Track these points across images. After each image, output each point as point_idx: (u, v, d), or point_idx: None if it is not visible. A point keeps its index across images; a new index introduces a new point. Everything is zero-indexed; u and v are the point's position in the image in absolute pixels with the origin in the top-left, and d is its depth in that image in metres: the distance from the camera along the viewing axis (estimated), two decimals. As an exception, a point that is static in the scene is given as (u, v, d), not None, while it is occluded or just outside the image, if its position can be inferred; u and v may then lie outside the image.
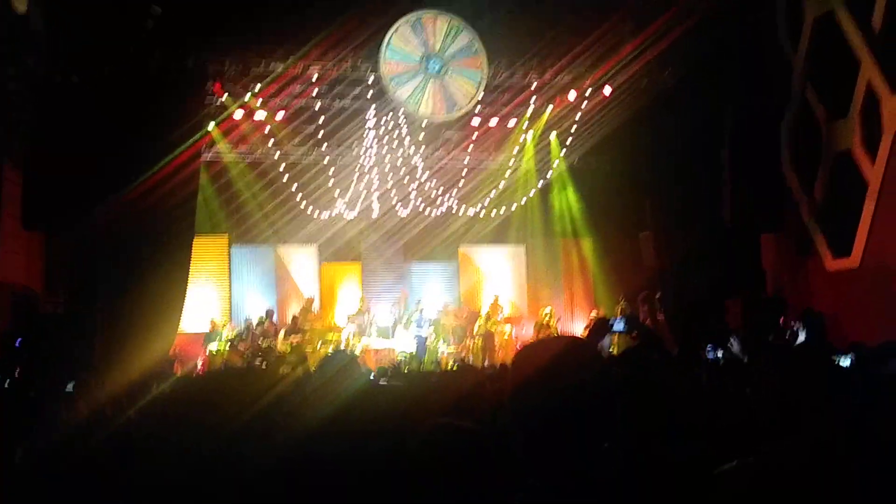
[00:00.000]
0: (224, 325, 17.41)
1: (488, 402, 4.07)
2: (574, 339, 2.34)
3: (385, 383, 6.01)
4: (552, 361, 2.09)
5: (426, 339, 17.46)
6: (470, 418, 2.90)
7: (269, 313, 17.68)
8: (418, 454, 2.32)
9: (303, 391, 3.46)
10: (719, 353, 7.64)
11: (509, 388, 2.13)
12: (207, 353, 16.59)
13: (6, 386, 9.38)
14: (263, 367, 14.89)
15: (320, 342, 16.75)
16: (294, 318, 17.60)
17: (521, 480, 1.93)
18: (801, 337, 7.61)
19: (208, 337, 16.88)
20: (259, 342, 16.60)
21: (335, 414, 3.12)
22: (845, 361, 5.86)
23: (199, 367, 16.34)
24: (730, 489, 2.33)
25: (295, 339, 16.76)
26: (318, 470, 2.76)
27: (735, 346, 7.56)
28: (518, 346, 18.27)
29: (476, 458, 2.23)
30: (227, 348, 16.46)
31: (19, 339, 12.59)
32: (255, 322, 17.41)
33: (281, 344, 16.67)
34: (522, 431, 2.04)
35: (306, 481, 2.73)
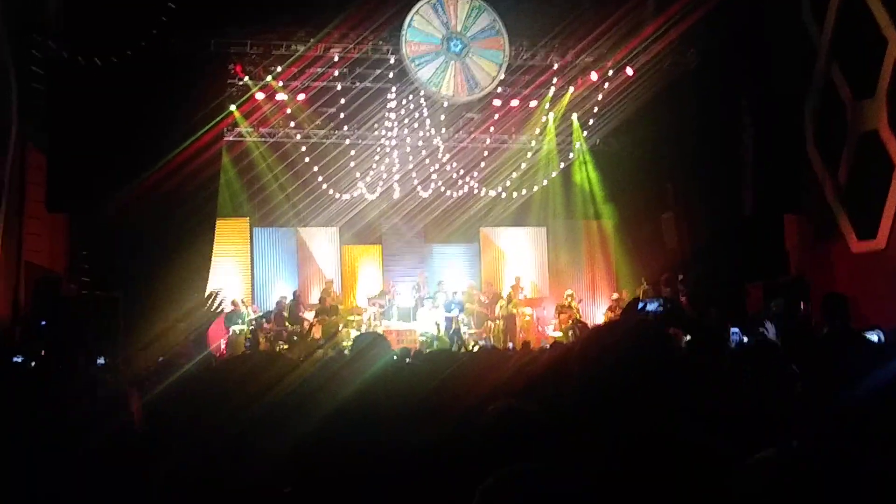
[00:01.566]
0: (247, 306, 17.50)
1: (526, 383, 4.06)
2: (643, 321, 2.35)
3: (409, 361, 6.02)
4: (624, 342, 2.09)
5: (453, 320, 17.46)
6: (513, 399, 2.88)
7: (295, 295, 17.73)
8: (484, 435, 2.33)
9: (331, 368, 3.47)
10: (745, 339, 7.59)
11: (577, 369, 2.13)
12: (230, 334, 16.66)
13: (32, 367, 9.49)
14: (287, 349, 15.02)
15: (342, 324, 16.82)
16: (321, 299, 17.65)
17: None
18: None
19: (230, 318, 16.95)
20: (285, 324, 16.68)
21: (366, 389, 3.12)
22: (872, 336, 5.83)
23: (222, 347, 16.45)
24: (757, 480, 2.31)
25: (323, 320, 16.84)
26: (349, 450, 2.77)
27: (770, 331, 7.51)
28: (543, 328, 18.27)
29: (540, 441, 2.23)
30: (251, 329, 16.54)
31: (43, 321, 12.71)
32: (282, 304, 17.44)
33: (309, 326, 16.79)
34: (590, 409, 2.05)
35: (335, 462, 2.73)
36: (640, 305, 4.70)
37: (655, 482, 1.88)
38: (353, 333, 16.39)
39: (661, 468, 1.90)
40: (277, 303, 17.43)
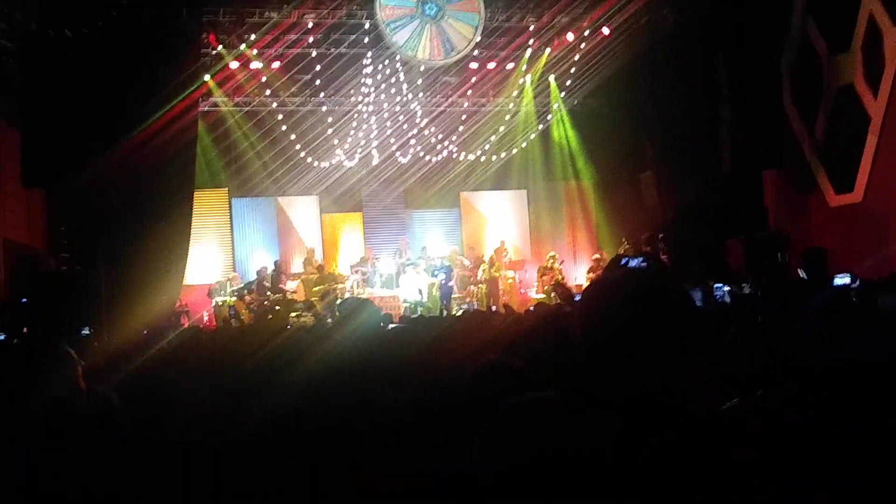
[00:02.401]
0: (230, 278, 17.46)
1: (511, 343, 4.09)
2: (650, 269, 2.31)
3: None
4: (631, 292, 2.02)
5: (452, 288, 17.49)
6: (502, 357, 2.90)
7: (277, 265, 17.67)
8: (471, 390, 2.34)
9: (317, 332, 3.49)
10: (726, 290, 7.66)
11: (579, 323, 2.07)
12: (213, 305, 16.64)
13: (13, 343, 9.44)
14: (270, 318, 15.02)
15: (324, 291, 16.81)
16: (316, 265, 17.67)
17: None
18: (802, 275, 7.63)
19: (213, 290, 16.92)
20: (267, 294, 16.66)
21: (357, 352, 3.14)
22: (842, 280, 5.91)
23: (205, 319, 16.43)
24: (731, 425, 2.33)
25: (308, 283, 16.89)
26: (342, 411, 2.78)
27: (748, 286, 7.58)
28: (526, 291, 18.35)
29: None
30: (234, 299, 16.52)
31: (24, 299, 12.64)
32: (263, 274, 17.40)
33: (294, 293, 16.82)
34: (596, 364, 2.00)
35: (329, 422, 2.75)
36: (623, 262, 4.71)
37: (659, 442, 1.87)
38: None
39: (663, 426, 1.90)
40: (258, 272, 17.40)
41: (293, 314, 14.78)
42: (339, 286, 16.96)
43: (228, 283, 17.21)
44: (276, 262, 17.80)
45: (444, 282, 17.32)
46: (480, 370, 2.45)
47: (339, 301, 11.37)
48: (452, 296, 17.69)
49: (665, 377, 1.95)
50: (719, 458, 1.90)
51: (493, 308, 15.58)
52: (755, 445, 2.04)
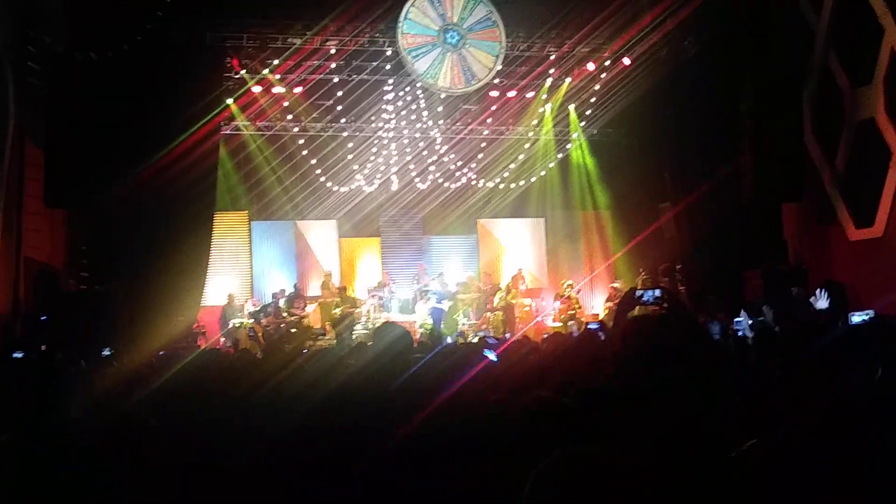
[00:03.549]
0: (246, 300, 17.52)
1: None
2: (681, 315, 2.42)
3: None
4: (664, 335, 2.13)
5: (443, 311, 17.45)
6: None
7: (296, 288, 17.72)
8: (522, 426, 2.37)
9: (333, 358, 3.49)
10: (749, 323, 7.61)
11: (619, 358, 2.17)
12: (230, 327, 16.66)
13: (33, 361, 9.49)
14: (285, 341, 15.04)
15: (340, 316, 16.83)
16: (335, 289, 17.73)
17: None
18: (823, 305, 7.58)
19: (226, 312, 16.94)
20: (283, 317, 16.69)
21: (388, 378, 3.14)
22: (861, 317, 5.87)
23: (221, 341, 16.47)
24: (746, 467, 2.35)
25: (325, 306, 16.93)
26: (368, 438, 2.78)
27: (768, 315, 7.53)
28: (543, 319, 18.29)
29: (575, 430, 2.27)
30: (251, 322, 16.56)
31: (44, 317, 12.73)
32: (279, 297, 17.45)
33: (312, 318, 16.86)
34: (631, 396, 2.08)
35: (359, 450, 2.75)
36: (638, 294, 4.71)
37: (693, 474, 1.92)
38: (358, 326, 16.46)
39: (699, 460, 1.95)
40: (273, 295, 17.46)
41: (310, 341, 14.80)
42: (357, 310, 16.98)
43: (244, 305, 17.27)
44: (295, 286, 17.85)
45: (436, 302, 17.31)
46: (530, 407, 2.46)
47: (376, 325, 11.36)
48: (469, 323, 17.65)
49: (695, 415, 2.00)
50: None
51: (508, 335, 15.56)
52: (772, 487, 2.05)
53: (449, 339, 15.25)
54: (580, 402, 2.48)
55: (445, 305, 17.48)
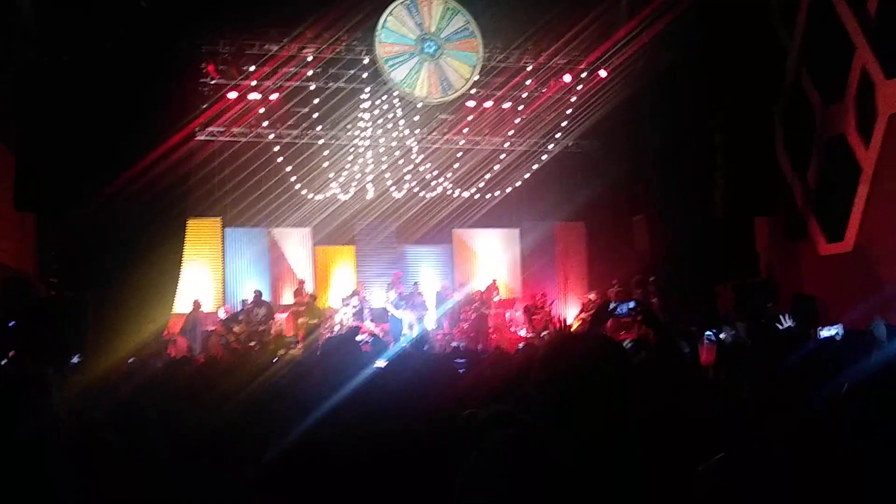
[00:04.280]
0: (217, 308, 17.40)
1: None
2: (602, 338, 2.45)
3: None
4: (583, 358, 2.18)
5: (400, 322, 17.47)
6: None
7: (257, 295, 17.51)
8: (476, 439, 2.37)
9: (302, 368, 3.48)
10: (718, 337, 7.67)
11: (537, 379, 2.22)
12: (200, 334, 16.52)
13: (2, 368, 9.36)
14: (257, 349, 14.95)
15: (312, 325, 16.76)
16: (307, 297, 17.65)
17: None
18: (788, 322, 7.65)
19: (191, 318, 16.81)
20: (255, 326, 16.59)
21: (346, 394, 3.14)
22: (830, 332, 5.93)
23: (186, 349, 16.32)
24: (708, 485, 2.37)
25: (297, 316, 16.85)
26: (325, 452, 2.77)
27: (741, 331, 7.60)
28: (516, 330, 18.30)
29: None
30: (222, 330, 16.46)
31: (12, 322, 12.56)
32: (245, 304, 17.35)
33: (284, 326, 16.75)
34: (551, 415, 2.11)
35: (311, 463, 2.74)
36: (612, 307, 4.74)
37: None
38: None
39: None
40: (242, 302, 17.35)
41: (281, 350, 14.72)
42: (323, 321, 16.90)
43: (217, 312, 17.17)
44: (255, 292, 17.58)
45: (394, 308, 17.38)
46: (484, 420, 2.46)
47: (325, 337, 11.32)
48: (442, 332, 17.66)
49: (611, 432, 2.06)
50: None
51: (479, 346, 15.57)
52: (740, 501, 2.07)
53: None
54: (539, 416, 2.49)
55: (404, 315, 17.49)
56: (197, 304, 17.08)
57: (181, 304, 16.75)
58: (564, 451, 1.88)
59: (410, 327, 17.21)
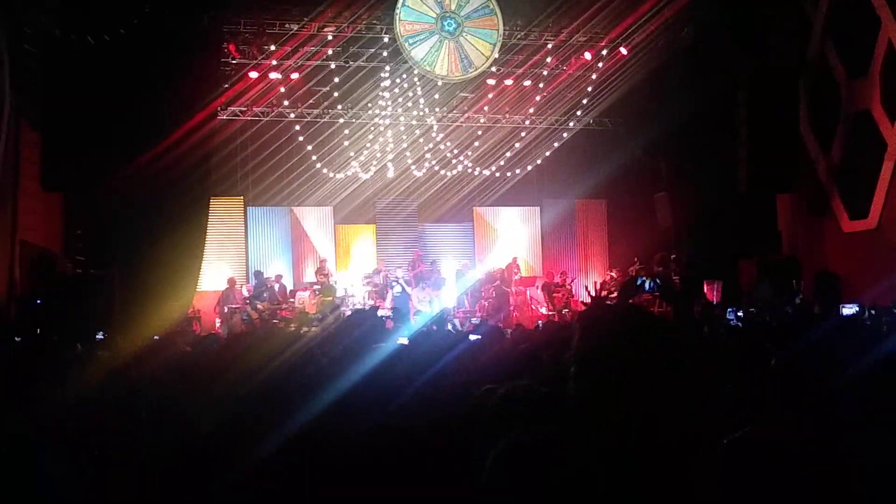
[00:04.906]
0: (241, 286, 17.54)
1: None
2: (637, 308, 2.45)
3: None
4: (620, 329, 2.18)
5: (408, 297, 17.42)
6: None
7: (277, 278, 17.72)
8: (498, 411, 2.40)
9: (329, 351, 3.52)
10: (739, 314, 7.69)
11: (575, 351, 2.22)
12: (226, 312, 16.68)
13: (28, 344, 9.51)
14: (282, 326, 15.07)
15: (333, 303, 16.87)
16: (325, 273, 17.76)
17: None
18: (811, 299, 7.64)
19: (225, 297, 16.98)
20: (279, 305, 16.74)
21: (366, 372, 3.18)
22: (850, 310, 5.94)
23: (217, 326, 16.50)
24: (734, 460, 2.39)
25: (316, 299, 16.93)
26: (345, 429, 2.81)
27: (763, 308, 7.62)
28: (536, 307, 18.32)
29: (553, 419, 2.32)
30: (247, 307, 16.60)
31: (39, 300, 12.74)
32: (269, 283, 17.50)
33: (307, 304, 16.86)
34: (587, 389, 2.13)
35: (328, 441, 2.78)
36: (639, 282, 4.77)
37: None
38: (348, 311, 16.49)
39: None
40: (256, 273, 17.55)
41: (304, 327, 14.81)
42: (347, 301, 16.99)
43: (242, 288, 17.31)
44: (276, 276, 17.81)
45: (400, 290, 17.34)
46: (506, 395, 2.50)
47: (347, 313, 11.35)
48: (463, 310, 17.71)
49: (650, 410, 2.06)
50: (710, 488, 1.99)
51: (500, 325, 15.59)
52: (758, 476, 2.09)
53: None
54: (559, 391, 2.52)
55: (417, 294, 17.51)
56: (231, 282, 17.24)
57: (208, 282, 16.90)
58: (594, 452, 1.90)
59: (430, 304, 17.26)
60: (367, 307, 15.22)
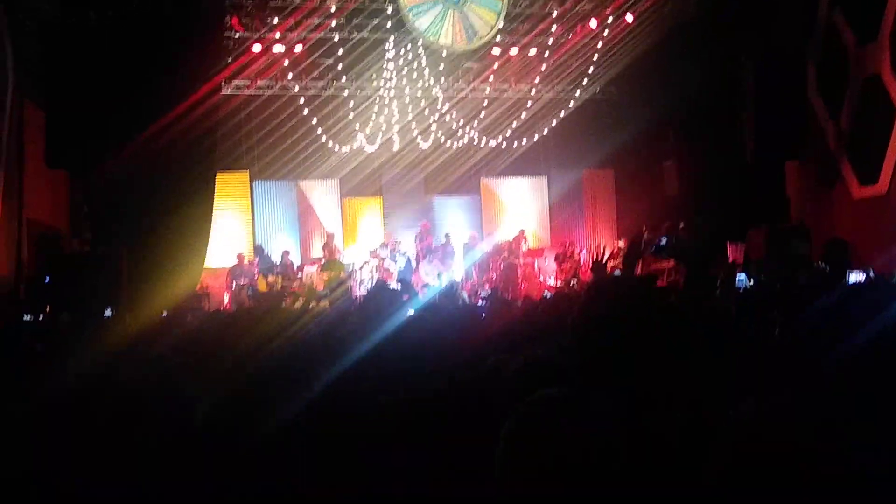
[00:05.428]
0: (250, 261, 17.56)
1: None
2: (639, 279, 2.45)
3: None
4: (621, 299, 2.17)
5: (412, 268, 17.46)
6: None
7: (284, 253, 17.73)
8: (516, 381, 2.39)
9: (340, 320, 3.51)
10: (750, 282, 7.64)
11: (577, 321, 2.21)
12: (234, 287, 16.71)
13: (37, 322, 9.55)
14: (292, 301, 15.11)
15: (340, 277, 16.90)
16: (332, 248, 17.80)
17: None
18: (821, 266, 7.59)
19: (234, 272, 17.00)
20: (290, 277, 16.80)
21: (382, 344, 3.16)
22: (857, 277, 5.90)
23: (226, 301, 16.54)
24: (741, 431, 2.36)
25: (325, 274, 16.98)
26: (361, 405, 2.80)
27: (772, 275, 7.58)
28: (545, 279, 18.32)
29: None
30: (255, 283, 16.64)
31: (47, 278, 12.76)
32: (279, 258, 17.53)
33: (315, 280, 16.91)
34: (586, 356, 2.11)
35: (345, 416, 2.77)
36: (659, 240, 4.78)
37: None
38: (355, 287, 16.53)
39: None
40: (256, 248, 17.56)
41: (312, 302, 14.86)
42: (355, 275, 17.01)
43: (246, 265, 17.34)
44: (283, 252, 17.83)
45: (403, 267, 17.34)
46: (523, 367, 2.48)
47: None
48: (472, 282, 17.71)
49: (654, 378, 2.04)
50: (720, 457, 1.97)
51: (509, 296, 15.57)
52: (765, 447, 2.06)
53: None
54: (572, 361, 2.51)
55: (422, 267, 17.53)
56: (241, 258, 17.26)
57: (215, 258, 16.92)
58: (612, 412, 1.88)
59: (438, 277, 17.25)
60: (375, 282, 15.24)
